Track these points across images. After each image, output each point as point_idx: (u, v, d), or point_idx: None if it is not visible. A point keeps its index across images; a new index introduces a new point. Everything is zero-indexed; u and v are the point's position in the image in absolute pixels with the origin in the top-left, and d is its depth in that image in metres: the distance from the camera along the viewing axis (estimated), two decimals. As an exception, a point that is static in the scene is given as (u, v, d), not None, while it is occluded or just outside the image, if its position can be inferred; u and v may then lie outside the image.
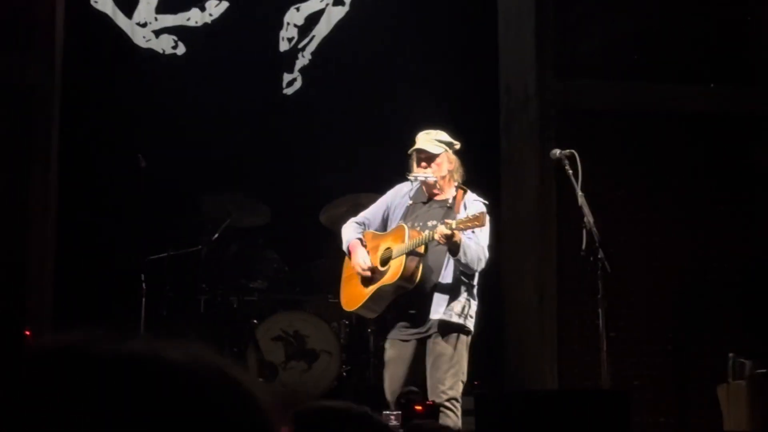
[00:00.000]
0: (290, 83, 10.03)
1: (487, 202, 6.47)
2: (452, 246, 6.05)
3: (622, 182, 9.05)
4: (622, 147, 9.15)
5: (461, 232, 6.00)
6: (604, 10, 9.27)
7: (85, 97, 9.42)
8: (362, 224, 6.67)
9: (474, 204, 6.34)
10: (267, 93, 9.91)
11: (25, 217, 8.69)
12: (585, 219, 6.05)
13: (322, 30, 10.03)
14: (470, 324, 6.43)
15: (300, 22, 10.03)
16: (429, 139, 6.47)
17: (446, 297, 6.31)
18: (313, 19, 10.04)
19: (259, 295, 8.96)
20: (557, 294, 8.96)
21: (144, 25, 9.85)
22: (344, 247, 6.66)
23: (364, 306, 6.57)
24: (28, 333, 8.42)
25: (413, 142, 6.53)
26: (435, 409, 5.93)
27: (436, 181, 6.42)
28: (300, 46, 10.01)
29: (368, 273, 6.42)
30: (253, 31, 9.94)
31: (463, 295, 6.39)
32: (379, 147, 9.07)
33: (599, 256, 5.92)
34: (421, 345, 6.38)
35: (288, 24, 10.03)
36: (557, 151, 6.41)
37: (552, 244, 8.93)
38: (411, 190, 6.59)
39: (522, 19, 9.41)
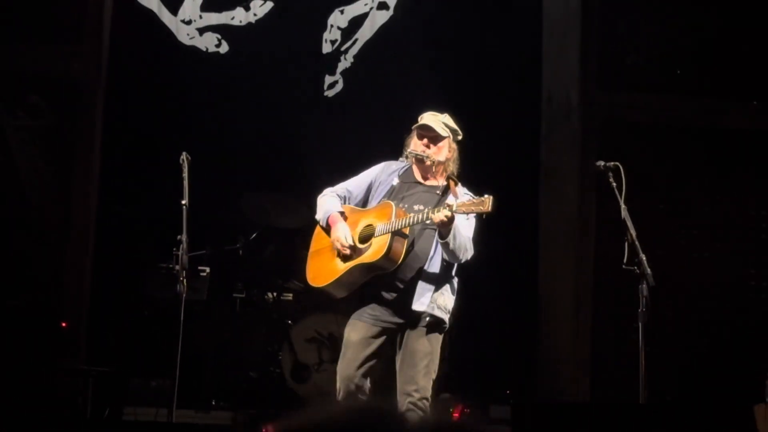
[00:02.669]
0: (332, 85, 10.03)
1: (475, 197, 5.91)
2: (445, 229, 5.65)
3: (661, 196, 9.02)
4: (662, 161, 9.12)
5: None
6: (648, 24, 9.26)
7: (129, 91, 9.47)
8: (343, 197, 6.23)
9: (465, 198, 5.82)
10: (308, 94, 9.92)
11: (65, 209, 8.76)
12: (628, 233, 6.01)
13: (365, 33, 10.03)
14: (448, 320, 6.00)
15: (344, 24, 10.04)
16: (436, 120, 6.09)
17: (431, 288, 5.89)
18: (357, 22, 10.04)
19: (294, 296, 8.98)
20: (593, 306, 8.94)
21: (188, 23, 9.88)
22: (320, 218, 6.20)
23: (336, 282, 6.03)
24: (64, 325, 8.48)
25: (415, 121, 6.15)
26: (472, 416, 5.82)
27: (434, 163, 6.05)
28: (343, 48, 10.02)
29: (347, 251, 5.92)
30: (296, 32, 9.95)
31: (447, 288, 5.98)
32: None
33: (642, 270, 5.88)
34: (391, 335, 5.96)
35: (331, 26, 10.04)
36: (602, 163, 6.36)
37: (590, 256, 8.91)
38: (400, 169, 6.19)
39: (567, 30, 9.40)
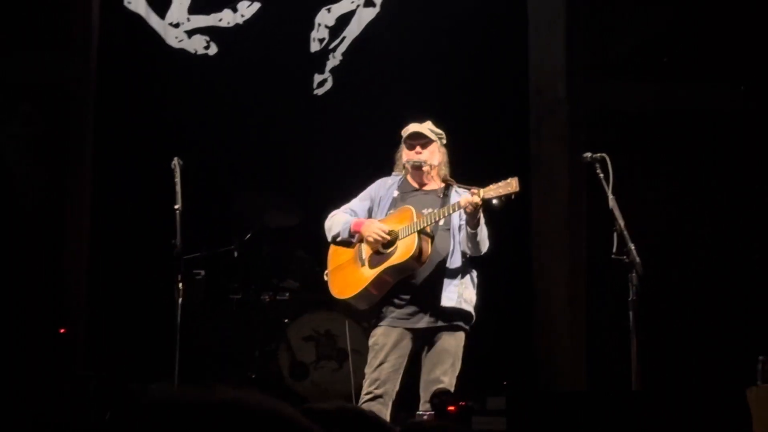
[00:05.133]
0: (321, 84, 10.06)
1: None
2: (474, 219, 5.81)
3: (652, 184, 9.07)
4: (652, 149, 9.17)
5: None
6: (634, 13, 9.29)
7: (120, 96, 9.50)
8: (350, 215, 6.35)
9: (464, 194, 6.04)
10: (298, 94, 9.94)
11: (60, 216, 8.79)
12: (616, 222, 6.07)
13: (353, 31, 10.06)
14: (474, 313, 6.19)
15: (331, 23, 10.06)
16: (423, 127, 6.27)
17: (456, 283, 6.05)
18: (344, 20, 10.07)
19: (290, 295, 9.02)
20: (587, 296, 8.98)
21: (176, 26, 9.91)
22: (339, 230, 6.27)
23: (365, 291, 6.11)
24: (62, 331, 8.52)
25: (400, 137, 6.37)
26: (468, 411, 5.87)
27: (431, 168, 6.23)
28: (331, 46, 10.05)
29: (387, 237, 6.01)
30: (284, 32, 9.97)
31: (469, 282, 6.15)
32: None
33: (631, 259, 5.94)
34: (420, 336, 6.09)
35: (319, 25, 10.07)
36: (588, 155, 6.42)
37: (582, 246, 8.96)
38: (396, 182, 6.37)
39: (552, 22, 9.44)
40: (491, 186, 5.77)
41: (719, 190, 9.11)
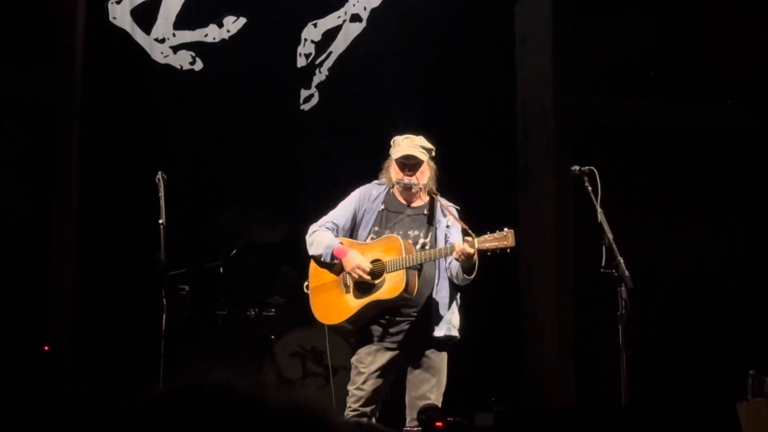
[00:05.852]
0: (307, 99, 10.02)
1: (459, 207, 6.25)
2: (470, 265, 5.84)
3: (638, 198, 9.05)
4: (638, 163, 9.15)
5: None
6: (620, 27, 9.29)
7: (105, 111, 9.45)
8: (332, 230, 6.28)
9: (449, 210, 6.12)
10: (284, 109, 9.91)
11: (45, 231, 8.73)
12: (605, 236, 6.03)
13: (339, 46, 10.03)
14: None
15: (317, 38, 10.03)
16: (414, 146, 6.21)
17: (444, 311, 6.10)
18: (331, 35, 10.04)
19: (276, 311, 8.96)
20: (575, 310, 8.95)
21: (162, 41, 9.87)
22: (321, 252, 6.20)
23: (351, 319, 6.15)
24: (46, 349, 8.45)
25: (389, 146, 6.35)
26: (456, 427, 5.84)
27: (420, 189, 6.20)
28: (317, 62, 10.02)
29: (368, 277, 5.99)
30: (270, 47, 9.94)
31: (455, 307, 6.20)
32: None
33: (620, 273, 5.91)
34: (405, 356, 6.15)
35: (305, 40, 10.04)
36: (576, 168, 6.39)
37: (570, 260, 8.93)
38: (382, 194, 6.32)
39: (539, 36, 9.44)
40: (486, 237, 5.77)
41: (708, 204, 9.09)
